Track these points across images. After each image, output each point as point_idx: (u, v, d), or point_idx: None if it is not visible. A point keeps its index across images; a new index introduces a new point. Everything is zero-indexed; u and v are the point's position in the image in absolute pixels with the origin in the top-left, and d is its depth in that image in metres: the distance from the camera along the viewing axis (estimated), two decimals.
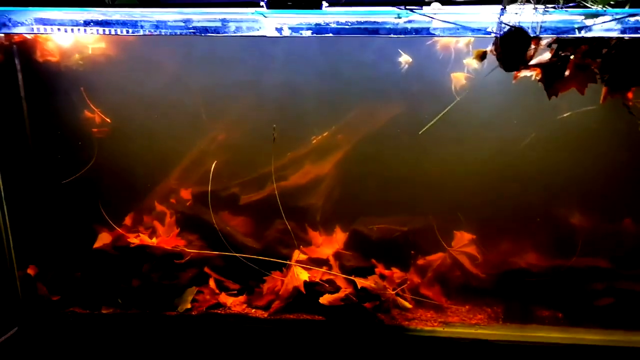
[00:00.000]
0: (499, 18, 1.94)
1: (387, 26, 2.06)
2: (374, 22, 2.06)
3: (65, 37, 2.55)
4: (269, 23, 2.05)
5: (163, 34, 2.12)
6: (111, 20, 2.10)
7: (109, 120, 2.72)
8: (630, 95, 2.16)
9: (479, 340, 2.35)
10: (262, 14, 2.01)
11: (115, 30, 2.11)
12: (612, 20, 1.89)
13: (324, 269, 2.55)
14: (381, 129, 2.80)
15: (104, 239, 2.59)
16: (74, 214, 2.74)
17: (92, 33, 2.15)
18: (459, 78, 2.52)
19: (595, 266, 2.59)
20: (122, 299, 2.54)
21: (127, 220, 2.72)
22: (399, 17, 2.00)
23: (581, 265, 2.59)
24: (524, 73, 2.19)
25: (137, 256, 2.58)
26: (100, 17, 2.11)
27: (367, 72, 2.69)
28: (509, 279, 2.65)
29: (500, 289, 2.64)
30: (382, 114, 2.80)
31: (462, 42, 2.47)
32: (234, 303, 2.58)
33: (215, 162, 2.73)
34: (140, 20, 2.08)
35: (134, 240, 2.56)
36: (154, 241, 2.59)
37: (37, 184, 2.70)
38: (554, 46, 2.07)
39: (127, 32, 2.12)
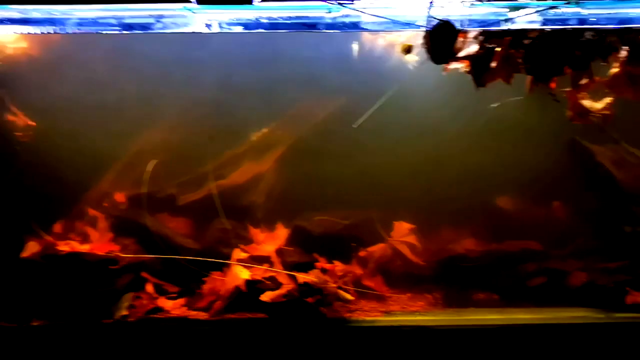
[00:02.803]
0: (427, 12, 1.97)
1: (326, 21, 2.06)
2: (306, 16, 2.05)
3: None
4: (198, 19, 2.00)
5: (86, 31, 2.03)
6: (29, 18, 1.98)
7: (33, 123, 2.58)
8: (553, 85, 2.26)
9: (419, 327, 2.39)
10: (190, 10, 1.96)
11: (33, 30, 2.00)
12: (535, 12, 1.96)
13: (265, 266, 2.53)
14: (321, 124, 2.80)
15: (32, 248, 2.45)
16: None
17: (7, 33, 2.03)
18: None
19: (527, 248, 2.71)
20: (54, 309, 2.43)
21: (57, 227, 2.60)
22: (330, 12, 2.00)
23: (514, 248, 2.70)
24: (454, 65, 2.25)
25: (68, 264, 2.46)
26: (17, 15, 1.99)
27: (305, 67, 2.69)
28: (448, 265, 2.73)
29: (440, 276, 2.72)
30: (322, 108, 2.81)
31: (403, 36, 2.48)
32: (173, 306, 2.51)
33: (154, 162, 2.66)
34: (61, 18, 1.97)
35: (64, 247, 2.45)
36: (85, 247, 2.49)
37: None
38: (481, 38, 2.14)
39: (48, 31, 2.02)
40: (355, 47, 2.57)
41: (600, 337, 2.34)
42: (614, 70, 2.29)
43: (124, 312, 2.44)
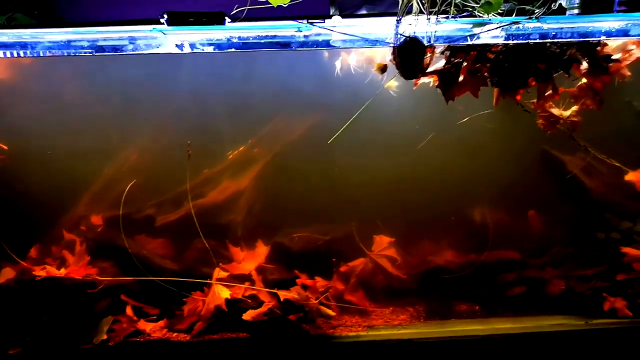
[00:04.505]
0: (395, 29, 2.02)
1: (299, 39, 2.08)
2: (278, 35, 2.08)
3: None
4: (169, 40, 2.02)
5: (57, 54, 2.03)
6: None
7: (5, 146, 2.56)
8: (518, 97, 2.32)
9: (402, 341, 2.40)
10: (161, 31, 1.98)
11: (3, 54, 2.00)
12: (498, 28, 2.02)
13: (246, 285, 2.52)
14: (297, 140, 2.82)
15: (6, 274, 2.42)
16: None
17: None
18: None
19: (506, 258, 2.74)
20: (30, 337, 2.38)
21: (33, 252, 2.56)
22: (300, 31, 2.03)
23: (493, 258, 2.72)
24: (423, 80, 2.29)
25: (44, 289, 2.43)
26: None
27: (280, 84, 2.71)
28: (429, 278, 2.74)
29: (421, 288, 2.73)
30: (298, 125, 2.82)
31: (379, 52, 2.51)
32: (153, 329, 2.49)
33: (132, 182, 2.64)
34: (31, 42, 1.98)
35: (39, 272, 2.41)
36: (62, 272, 2.45)
37: None
38: (447, 53, 2.19)
39: (18, 54, 2.02)
40: (330, 64, 2.60)
41: (581, 344, 2.37)
42: (581, 81, 2.37)
43: (103, 337, 2.41)
